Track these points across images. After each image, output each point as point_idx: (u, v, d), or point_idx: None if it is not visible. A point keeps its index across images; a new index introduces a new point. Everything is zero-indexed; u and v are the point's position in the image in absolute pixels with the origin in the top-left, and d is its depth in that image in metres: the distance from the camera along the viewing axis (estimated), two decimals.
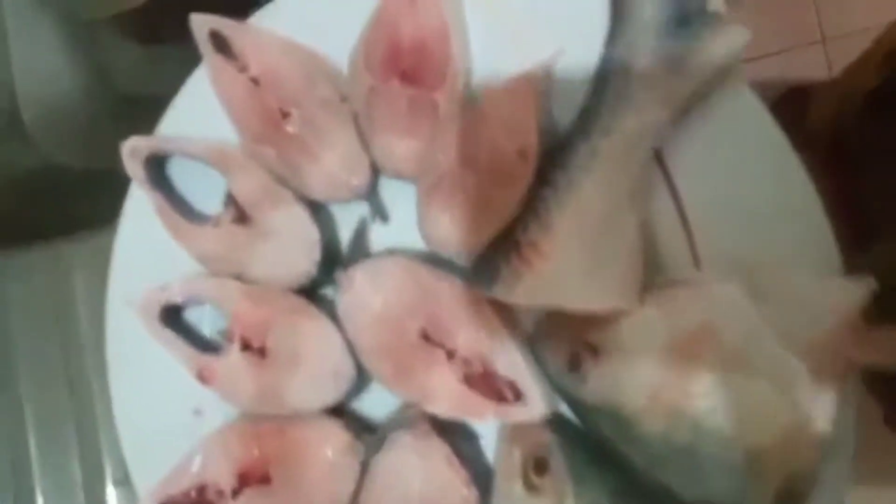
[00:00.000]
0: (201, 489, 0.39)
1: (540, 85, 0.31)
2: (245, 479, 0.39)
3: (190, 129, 0.40)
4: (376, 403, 0.40)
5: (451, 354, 0.35)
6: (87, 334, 0.51)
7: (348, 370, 0.38)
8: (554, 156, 0.32)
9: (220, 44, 0.36)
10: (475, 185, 0.33)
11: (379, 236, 0.40)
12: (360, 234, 0.40)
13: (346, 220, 0.40)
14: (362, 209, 0.39)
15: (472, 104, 0.33)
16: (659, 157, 0.31)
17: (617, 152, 0.30)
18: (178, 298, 0.40)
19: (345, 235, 0.40)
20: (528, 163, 0.32)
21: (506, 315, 0.35)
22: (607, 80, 0.31)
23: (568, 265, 0.31)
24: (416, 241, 0.38)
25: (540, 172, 0.32)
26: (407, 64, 0.34)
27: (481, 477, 0.36)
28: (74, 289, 0.51)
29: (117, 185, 0.52)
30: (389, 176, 0.37)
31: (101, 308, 0.48)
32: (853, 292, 0.27)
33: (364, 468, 0.38)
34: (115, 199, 0.50)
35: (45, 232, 0.52)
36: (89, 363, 0.50)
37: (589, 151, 0.30)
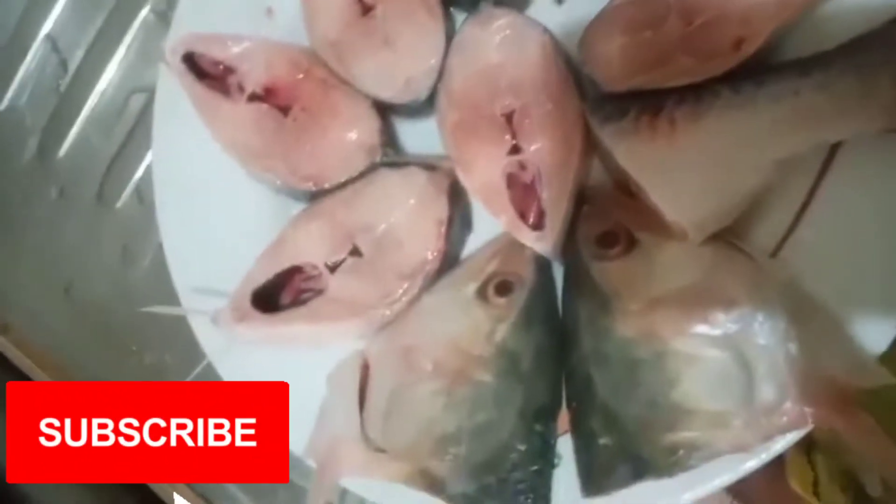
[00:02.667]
0: (228, 70, 0.38)
1: (811, 4, 0.28)
2: (268, 95, 0.38)
3: None
4: (422, 135, 0.38)
5: (515, 149, 0.34)
6: None
7: (420, 88, 0.36)
8: (758, 66, 0.30)
9: None
10: (672, 35, 0.31)
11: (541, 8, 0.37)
12: None
13: None
14: None
15: None
16: (833, 150, 0.30)
17: (815, 111, 0.28)
18: None
19: None
20: (735, 56, 0.29)
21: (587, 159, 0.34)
22: (867, 47, 0.28)
23: (683, 162, 0.30)
24: (565, 37, 0.36)
25: (733, 72, 0.30)
26: None
27: (446, 258, 0.36)
28: None
29: None
30: None
31: None
32: (872, 376, 0.27)
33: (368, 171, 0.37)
34: None
35: None
36: None
37: (792, 90, 0.28)
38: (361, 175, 0.37)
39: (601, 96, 0.33)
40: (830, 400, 0.27)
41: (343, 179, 0.37)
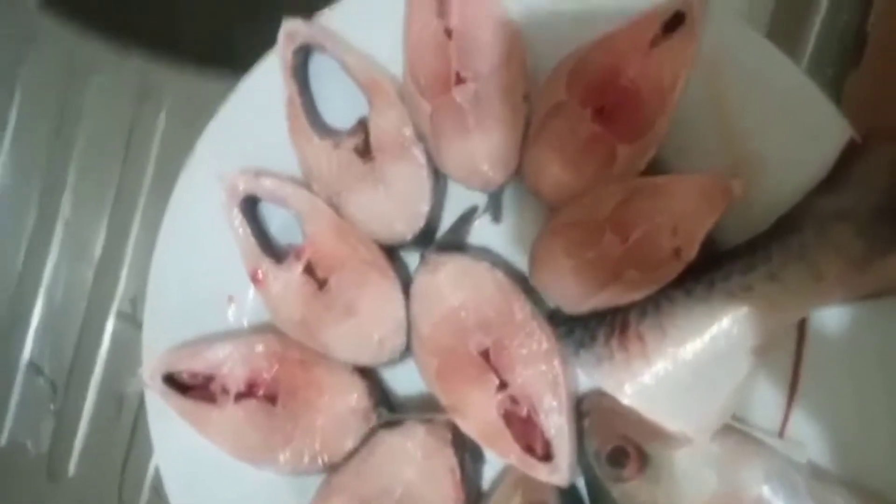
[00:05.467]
0: (209, 378, 0.39)
1: (734, 200, 0.29)
2: (252, 390, 0.39)
3: (350, 33, 0.37)
4: (408, 380, 0.39)
5: (502, 385, 0.35)
6: (150, 172, 0.49)
7: (396, 344, 0.37)
8: (704, 264, 0.30)
9: None
10: (611, 251, 0.31)
11: (481, 230, 0.38)
12: (465, 221, 0.38)
13: (456, 196, 0.38)
14: (477, 196, 0.38)
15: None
16: (803, 323, 0.30)
17: (772, 301, 0.28)
18: (267, 194, 0.38)
19: (449, 208, 0.39)
20: (678, 263, 0.30)
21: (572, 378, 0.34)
22: (799, 227, 0.29)
23: (664, 375, 0.30)
24: (512, 254, 0.37)
25: (682, 274, 0.30)
26: (611, 102, 0.31)
27: (470, 498, 0.36)
28: (157, 122, 0.49)
29: (241, 22, 0.49)
30: (526, 187, 0.35)
31: (172, 154, 0.48)
32: None
33: (368, 436, 0.38)
34: (233, 40, 0.48)
35: (151, 36, 0.49)
36: (141, 199, 0.49)
37: (744, 286, 0.29)
38: (363, 441, 0.37)
39: (566, 318, 0.33)
40: None
41: (348, 450, 0.37)
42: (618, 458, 0.32)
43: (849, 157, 0.29)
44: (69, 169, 0.50)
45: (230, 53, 0.44)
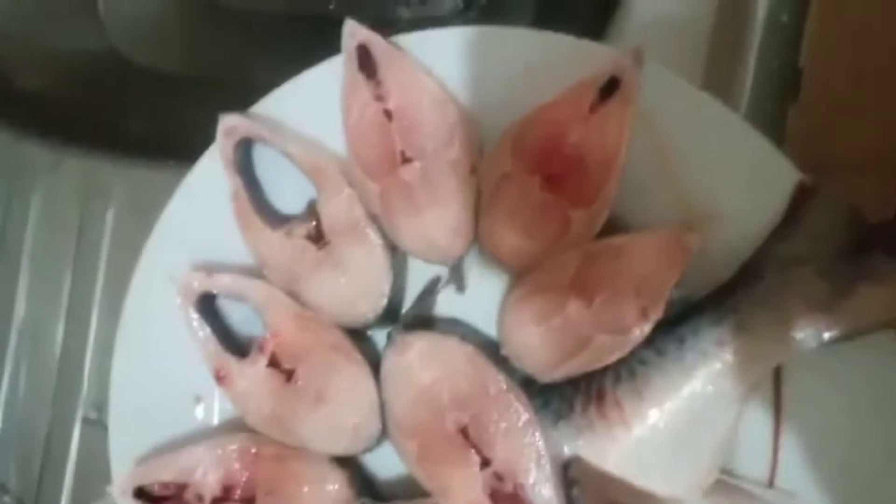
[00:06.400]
0: (182, 487, 0.37)
1: (693, 255, 0.29)
2: (228, 493, 0.37)
3: (290, 119, 0.37)
4: (389, 464, 0.38)
5: (485, 463, 0.34)
6: (103, 271, 0.48)
7: (371, 429, 0.36)
8: (673, 322, 0.30)
9: (366, 61, 0.33)
10: (577, 317, 0.31)
11: (446, 300, 0.37)
12: (429, 294, 0.37)
13: (418, 267, 0.38)
14: (440, 267, 0.37)
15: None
16: (778, 370, 0.30)
17: (743, 353, 0.28)
18: (223, 290, 0.37)
19: (412, 282, 0.38)
20: (645, 323, 0.29)
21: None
22: (760, 274, 0.29)
23: (647, 441, 0.29)
24: (482, 321, 0.37)
25: (652, 331, 0.30)
26: (557, 169, 0.31)
27: None
28: (105, 219, 0.48)
29: (186, 112, 0.48)
30: (485, 258, 0.35)
31: (124, 249, 0.47)
32: None
33: None
34: (179, 131, 0.47)
35: (93, 135, 0.48)
36: (96, 298, 0.48)
37: (715, 339, 0.29)
38: None
39: (541, 388, 0.33)
40: None
41: None
42: None
43: (800, 199, 0.29)
44: (19, 275, 0.49)
45: (179, 144, 0.43)
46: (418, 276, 0.38)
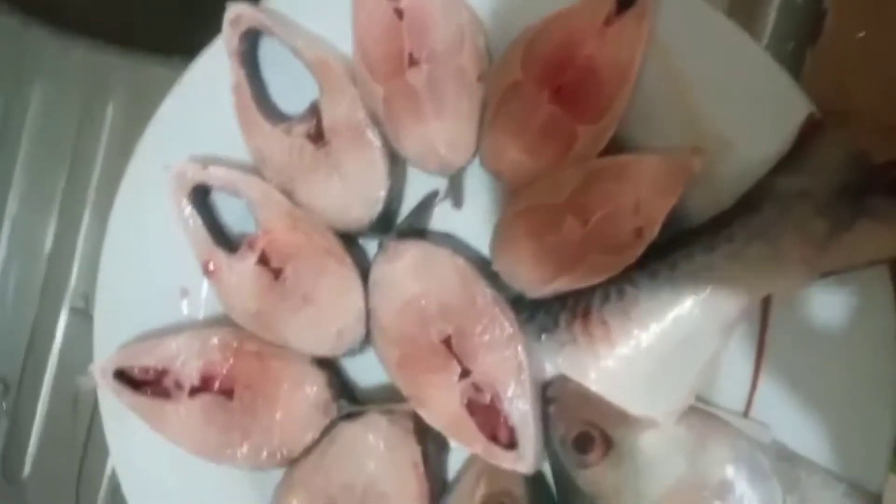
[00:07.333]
0: (162, 373, 0.37)
1: (694, 177, 0.29)
2: (207, 384, 0.37)
3: (299, 14, 0.36)
4: (369, 370, 0.38)
5: (465, 373, 0.34)
6: (99, 163, 0.47)
7: (355, 335, 0.36)
8: (667, 247, 0.30)
9: None
10: (572, 235, 0.31)
11: (441, 216, 0.37)
12: (425, 207, 0.37)
13: (417, 181, 0.37)
14: (438, 181, 0.37)
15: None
16: (767, 302, 0.30)
17: (734, 281, 0.28)
18: (217, 183, 0.37)
19: (409, 195, 0.38)
20: (640, 244, 0.29)
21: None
22: (759, 206, 0.28)
23: (629, 360, 0.29)
24: (475, 240, 0.37)
25: (644, 256, 0.30)
26: (567, 81, 0.30)
27: (434, 490, 0.36)
28: (106, 115, 0.47)
29: (196, 7, 0.47)
30: (485, 170, 0.34)
31: (123, 144, 0.46)
32: None
33: (328, 428, 0.37)
34: (187, 27, 0.46)
35: (99, 26, 0.47)
36: (90, 193, 0.47)
37: (706, 265, 0.28)
38: (324, 434, 0.36)
39: (528, 303, 0.33)
40: None
41: (307, 444, 0.36)
42: (583, 443, 0.31)
43: (809, 135, 0.29)
44: (15, 166, 0.48)
45: (181, 40, 0.42)
46: (417, 188, 0.37)
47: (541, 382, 0.34)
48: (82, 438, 0.47)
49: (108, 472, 0.47)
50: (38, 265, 0.48)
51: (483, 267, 0.35)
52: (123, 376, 0.38)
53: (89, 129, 0.48)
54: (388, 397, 0.37)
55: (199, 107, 0.38)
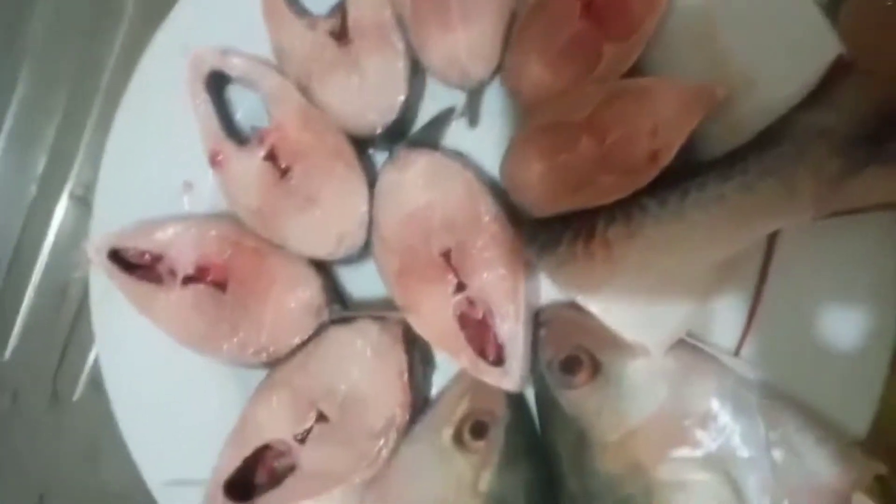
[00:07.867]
0: (157, 258, 0.37)
1: (715, 107, 0.28)
2: (201, 274, 0.37)
3: None
4: (361, 283, 0.38)
5: (460, 287, 0.34)
6: (116, 51, 0.46)
7: (356, 240, 0.36)
8: (680, 174, 0.29)
9: None
10: (587, 156, 0.30)
11: (456, 134, 0.37)
12: (441, 121, 0.37)
13: (434, 99, 0.37)
14: (455, 97, 0.36)
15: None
16: (771, 239, 0.29)
17: (744, 213, 0.28)
18: (235, 72, 0.36)
19: (423, 116, 0.37)
20: (653, 168, 0.29)
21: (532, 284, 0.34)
22: (778, 141, 0.28)
23: (627, 282, 0.29)
24: (485, 159, 0.36)
25: (656, 181, 0.29)
26: None
27: (416, 402, 0.36)
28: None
29: None
30: (505, 88, 0.34)
31: (143, 32, 0.45)
32: (858, 471, 0.27)
33: (318, 332, 0.36)
34: None
35: None
36: (103, 80, 0.46)
37: (717, 195, 0.28)
38: (312, 337, 0.36)
39: (532, 222, 0.33)
40: None
41: (295, 345, 0.36)
42: (571, 365, 0.31)
43: (835, 75, 0.28)
44: (28, 46, 0.48)
45: None
46: (433, 105, 0.37)
47: (534, 307, 0.35)
48: (67, 328, 0.47)
49: (88, 364, 0.46)
50: (41, 149, 0.47)
51: (491, 187, 0.35)
52: (118, 257, 0.37)
53: (106, 18, 0.47)
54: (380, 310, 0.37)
55: None
